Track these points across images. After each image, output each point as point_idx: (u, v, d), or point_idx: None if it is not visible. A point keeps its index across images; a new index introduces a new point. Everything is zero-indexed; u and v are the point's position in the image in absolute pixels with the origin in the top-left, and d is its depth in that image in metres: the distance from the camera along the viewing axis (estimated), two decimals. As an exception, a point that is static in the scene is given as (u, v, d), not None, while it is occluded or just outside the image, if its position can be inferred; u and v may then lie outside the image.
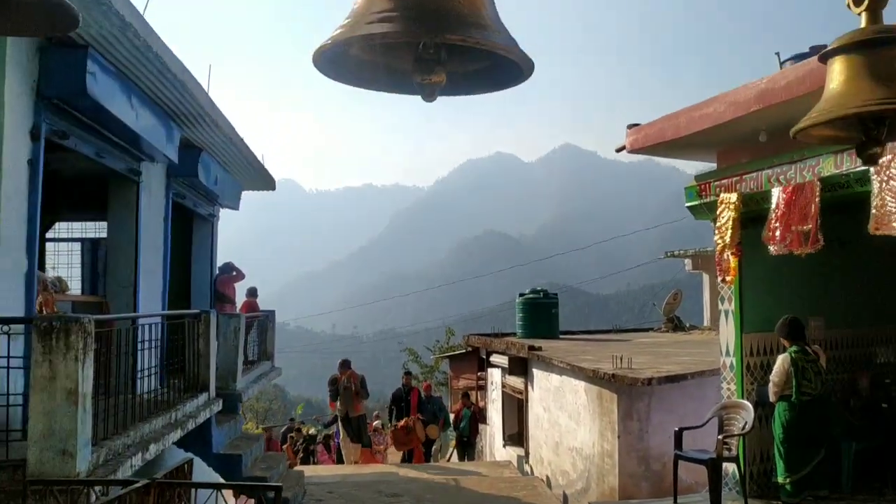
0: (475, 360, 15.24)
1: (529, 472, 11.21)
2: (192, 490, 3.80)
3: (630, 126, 6.59)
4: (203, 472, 5.95)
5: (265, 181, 10.38)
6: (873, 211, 4.29)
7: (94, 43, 4.67)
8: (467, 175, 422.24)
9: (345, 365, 12.81)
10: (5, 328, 3.82)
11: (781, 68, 6.38)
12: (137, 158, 6.35)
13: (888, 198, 4.42)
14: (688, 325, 16.74)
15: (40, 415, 3.48)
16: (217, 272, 9.75)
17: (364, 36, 1.85)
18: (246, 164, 9.04)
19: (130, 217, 6.34)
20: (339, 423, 13.03)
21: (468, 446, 14.16)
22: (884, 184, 4.50)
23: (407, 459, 13.36)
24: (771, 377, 5.90)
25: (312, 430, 15.98)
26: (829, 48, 2.10)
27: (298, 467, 11.40)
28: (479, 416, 14.28)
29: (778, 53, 6.70)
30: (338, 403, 12.65)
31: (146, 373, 5.53)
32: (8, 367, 3.88)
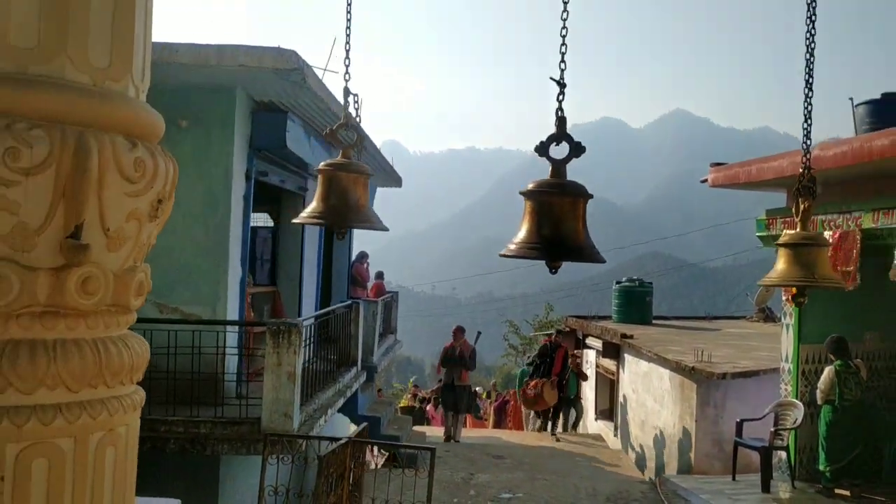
0: (572, 338, 16.49)
1: (618, 445, 12.54)
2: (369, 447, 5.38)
3: (712, 164, 7.74)
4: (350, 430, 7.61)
5: (395, 180, 11.99)
6: (894, 262, 5.36)
7: (291, 108, 6.26)
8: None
9: (459, 332, 12.92)
10: (228, 329, 5.50)
11: (854, 111, 7.36)
12: (305, 177, 8.01)
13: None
14: (778, 316, 17.40)
15: (271, 389, 5.13)
16: (353, 259, 11.48)
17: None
18: (381, 168, 10.64)
19: (298, 225, 8.01)
20: (440, 392, 13.35)
21: (575, 403, 14.26)
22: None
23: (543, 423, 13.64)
24: (819, 384, 7.06)
25: (423, 393, 17.82)
26: (779, 242, 3.41)
27: (416, 427, 13.14)
28: (581, 375, 13.91)
29: (852, 99, 7.63)
30: (444, 370, 12.89)
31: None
32: (224, 354, 5.57)
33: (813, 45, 3.51)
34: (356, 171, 2.63)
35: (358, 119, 3.22)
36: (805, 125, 3.48)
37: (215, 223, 6.02)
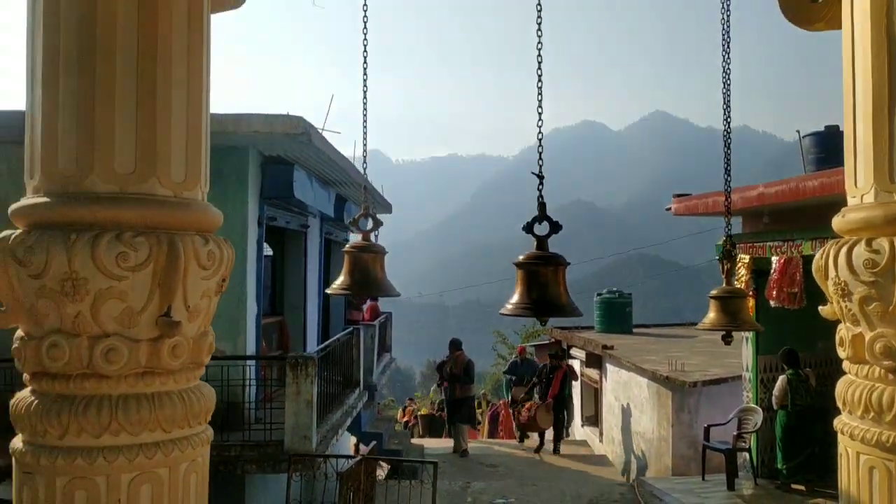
0: (557, 347, 17.28)
1: (603, 450, 13.32)
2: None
3: (675, 195, 8.58)
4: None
5: (385, 206, 12.77)
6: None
7: (297, 161, 7.01)
8: (554, 144, 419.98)
9: (454, 345, 12.81)
10: (250, 363, 6.22)
11: (801, 141, 8.21)
12: (306, 216, 8.76)
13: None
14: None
15: (291, 415, 5.86)
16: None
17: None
18: (374, 199, 11.41)
19: (300, 259, 8.79)
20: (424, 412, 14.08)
21: (567, 404, 14.12)
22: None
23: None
24: (774, 391, 7.92)
25: (424, 411, 18.54)
26: (710, 295, 4.14)
27: (414, 440, 13.83)
28: (573, 374, 13.91)
29: (798, 131, 8.48)
30: (443, 386, 12.90)
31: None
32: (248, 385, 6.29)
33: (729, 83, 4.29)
34: (374, 251, 3.37)
35: (365, 171, 3.93)
36: (726, 202, 4.24)
37: (235, 267, 6.73)
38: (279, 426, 6.09)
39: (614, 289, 17.03)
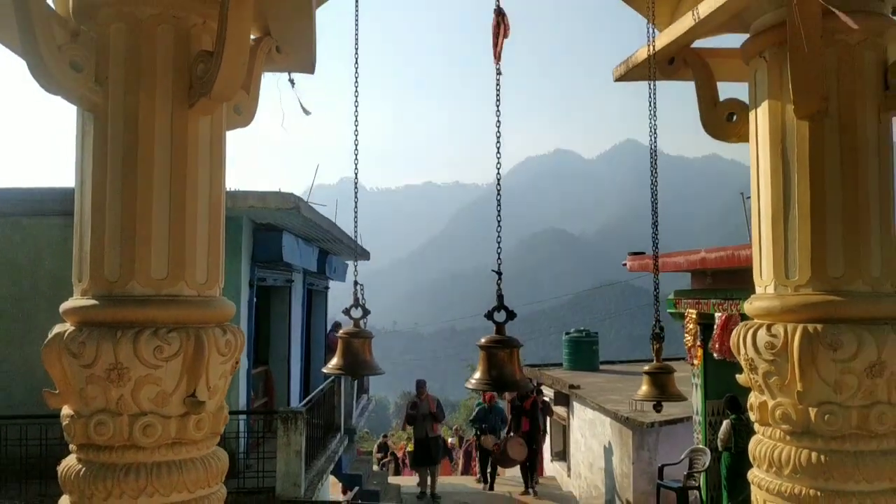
0: (526, 380, 17.93)
1: (570, 485, 13.95)
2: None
3: (630, 253, 9.36)
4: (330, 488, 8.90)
5: (364, 255, 13.42)
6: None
7: (286, 227, 7.67)
8: (527, 172, 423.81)
9: (421, 386, 12.81)
10: (241, 417, 6.80)
11: (745, 202, 9.03)
12: (291, 272, 9.39)
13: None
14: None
15: (283, 464, 6.45)
16: (329, 329, 12.83)
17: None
18: (351, 250, 12.05)
19: (285, 311, 9.41)
20: (411, 449, 13.42)
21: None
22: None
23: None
24: (719, 435, 8.66)
25: (410, 447, 18.97)
26: (644, 370, 4.82)
27: (391, 478, 14.31)
28: (547, 409, 14.20)
29: (742, 193, 9.30)
30: (413, 427, 12.60)
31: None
32: (240, 437, 6.88)
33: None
34: (364, 337, 4.03)
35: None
36: (655, 291, 4.95)
37: (228, 327, 7.37)
38: (270, 474, 6.66)
39: (581, 328, 17.80)
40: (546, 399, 14.39)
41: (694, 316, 8.65)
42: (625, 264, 10.01)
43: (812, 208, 3.74)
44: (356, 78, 4.19)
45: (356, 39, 4.49)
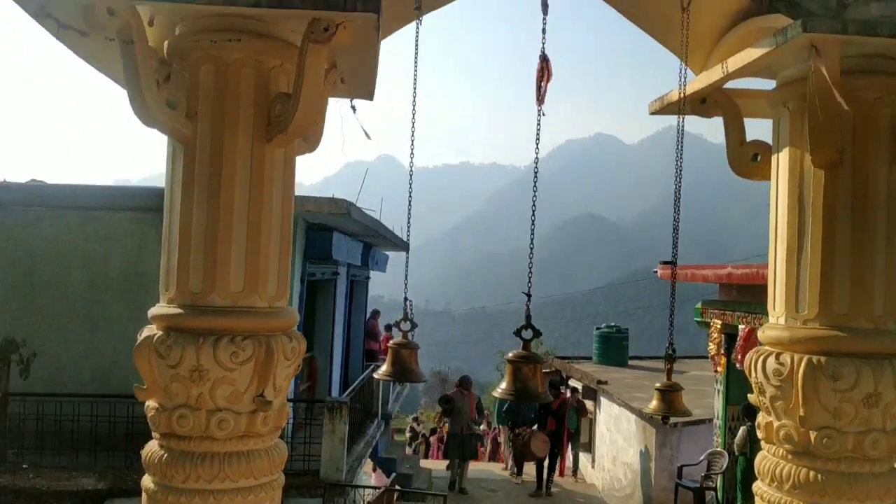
0: (558, 374, 18.38)
1: (594, 477, 14.39)
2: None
3: (662, 262, 9.71)
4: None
5: (403, 247, 13.89)
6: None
7: (336, 227, 8.19)
8: (566, 156, 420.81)
9: (465, 383, 12.67)
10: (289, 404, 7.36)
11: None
12: (338, 266, 9.94)
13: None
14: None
15: (328, 450, 7.00)
16: (368, 316, 13.40)
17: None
18: (393, 244, 12.57)
19: (330, 303, 9.98)
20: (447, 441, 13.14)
21: (574, 439, 14.29)
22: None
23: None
24: (736, 440, 9.03)
25: (421, 429, 19.66)
26: (657, 387, 5.17)
27: (423, 462, 14.88)
28: (582, 409, 14.28)
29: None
30: (450, 420, 12.49)
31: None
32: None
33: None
34: (411, 348, 4.51)
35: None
36: (671, 318, 5.34)
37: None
38: (315, 458, 7.23)
39: (612, 324, 18.18)
40: (581, 398, 14.23)
41: (719, 326, 9.02)
42: (655, 271, 10.38)
43: (823, 249, 4.12)
44: (413, 108, 4.62)
45: (415, 69, 4.91)
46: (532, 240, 4.58)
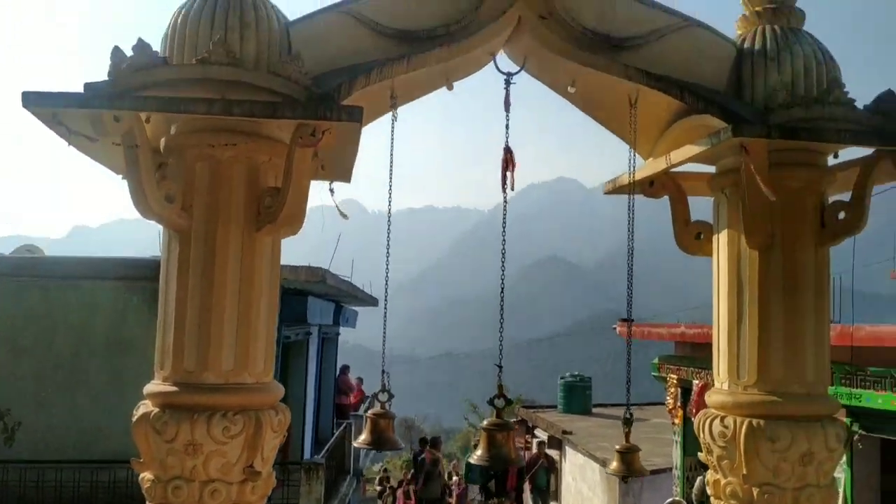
0: (524, 424, 18.72)
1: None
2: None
3: (620, 319, 10.21)
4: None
5: (372, 302, 14.30)
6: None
7: (310, 292, 8.54)
8: (528, 200, 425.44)
9: (437, 444, 13.18)
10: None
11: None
12: (310, 327, 10.27)
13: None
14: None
15: (304, 509, 7.27)
16: (338, 371, 13.68)
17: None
18: (362, 301, 12.94)
19: (302, 364, 10.28)
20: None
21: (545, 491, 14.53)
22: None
23: None
24: (693, 490, 9.45)
25: (394, 483, 19.71)
26: (616, 448, 5.59)
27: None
28: (552, 466, 14.68)
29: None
30: (426, 485, 12.71)
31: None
32: None
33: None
34: (388, 417, 4.88)
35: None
36: (627, 384, 5.78)
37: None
38: (290, 516, 7.50)
39: (576, 372, 18.65)
40: (547, 454, 14.45)
41: (675, 380, 9.52)
42: (615, 328, 10.89)
43: (759, 323, 4.61)
44: (389, 200, 5.04)
45: (391, 158, 5.34)
46: (501, 308, 5.01)
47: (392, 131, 5.02)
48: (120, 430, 7.70)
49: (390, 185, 4.99)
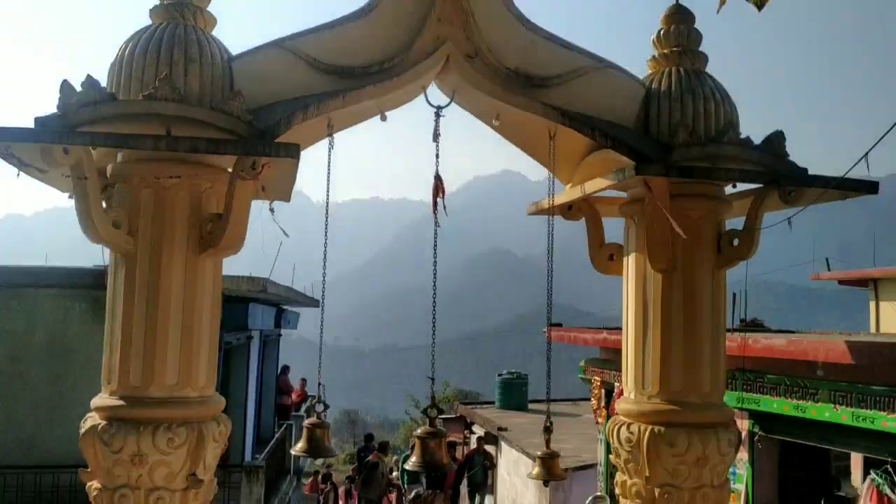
0: (462, 420, 19.18)
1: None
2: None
3: (550, 324, 10.74)
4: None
5: (314, 303, 14.54)
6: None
7: (252, 299, 8.80)
8: (474, 192, 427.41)
9: (385, 449, 13.24)
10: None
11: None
12: (251, 331, 10.51)
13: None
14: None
15: (244, 510, 7.55)
16: (279, 372, 13.92)
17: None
18: (303, 304, 13.21)
19: (243, 367, 10.51)
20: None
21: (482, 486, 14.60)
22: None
23: None
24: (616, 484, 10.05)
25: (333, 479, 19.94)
26: (537, 454, 6.04)
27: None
28: (490, 461, 14.74)
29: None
30: (368, 486, 12.59)
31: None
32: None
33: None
34: (323, 427, 5.24)
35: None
36: (547, 391, 6.24)
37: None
38: (230, 517, 7.77)
39: (513, 370, 19.26)
40: (485, 449, 14.66)
41: (599, 382, 10.08)
42: (545, 332, 11.38)
43: (662, 338, 5.10)
44: (326, 215, 5.37)
45: (328, 184, 5.64)
46: (434, 316, 5.40)
47: (329, 157, 5.27)
48: (62, 436, 7.91)
49: (327, 203, 5.29)
